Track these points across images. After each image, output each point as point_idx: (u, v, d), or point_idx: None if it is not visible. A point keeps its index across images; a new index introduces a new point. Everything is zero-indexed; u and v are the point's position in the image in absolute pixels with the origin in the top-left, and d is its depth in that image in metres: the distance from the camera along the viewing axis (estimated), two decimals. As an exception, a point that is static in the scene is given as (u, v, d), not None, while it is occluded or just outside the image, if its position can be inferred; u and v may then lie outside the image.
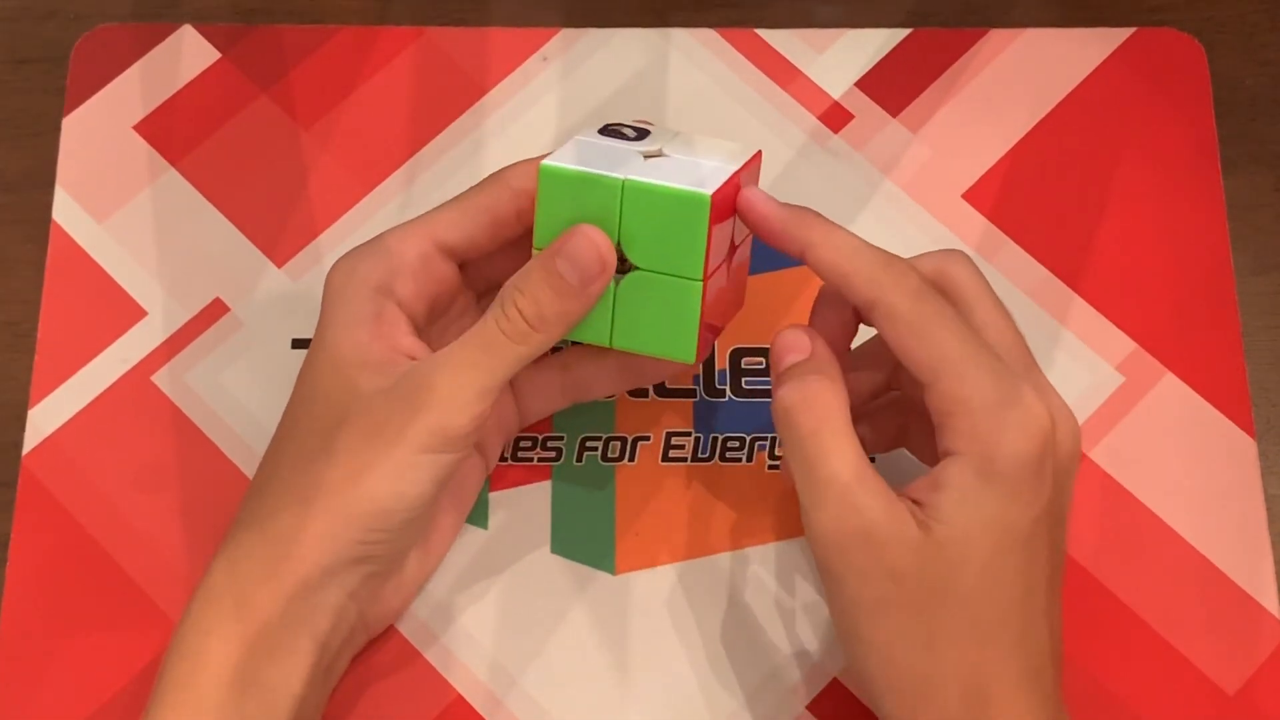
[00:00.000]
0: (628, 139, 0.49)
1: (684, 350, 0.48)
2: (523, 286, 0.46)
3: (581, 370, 0.53)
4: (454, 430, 0.46)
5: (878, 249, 0.47)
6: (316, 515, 0.46)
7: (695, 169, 0.47)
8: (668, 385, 0.56)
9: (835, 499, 0.44)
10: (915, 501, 0.44)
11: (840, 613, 0.46)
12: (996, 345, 0.46)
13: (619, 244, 0.47)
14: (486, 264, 0.52)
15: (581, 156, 0.47)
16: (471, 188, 0.50)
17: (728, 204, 0.47)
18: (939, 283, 0.47)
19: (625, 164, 0.47)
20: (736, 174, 0.47)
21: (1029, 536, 0.44)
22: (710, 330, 0.49)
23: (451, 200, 0.50)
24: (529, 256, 0.47)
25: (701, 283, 0.46)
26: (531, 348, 0.47)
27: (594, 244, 0.46)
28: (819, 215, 0.48)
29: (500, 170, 0.50)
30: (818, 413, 0.45)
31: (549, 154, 0.48)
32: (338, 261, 0.50)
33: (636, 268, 0.47)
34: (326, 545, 0.46)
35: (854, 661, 0.46)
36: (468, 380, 0.46)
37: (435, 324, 0.51)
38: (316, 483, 0.46)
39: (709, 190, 0.46)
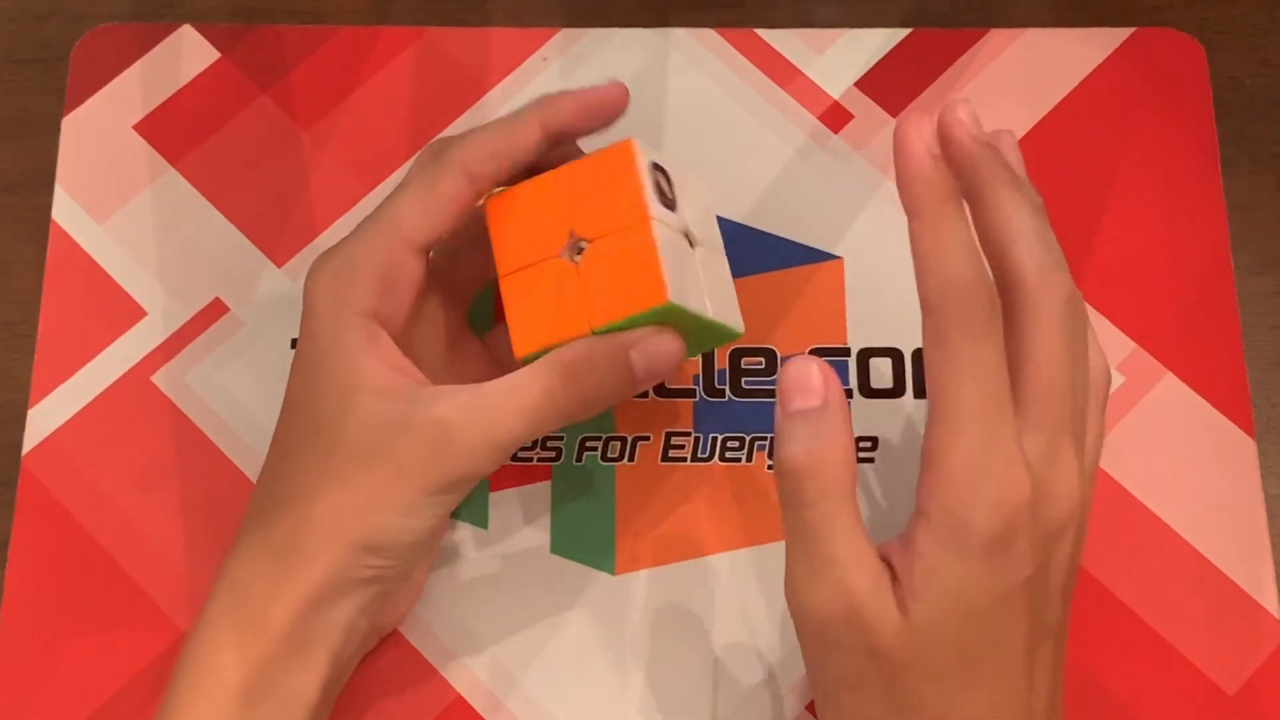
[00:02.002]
0: (670, 201, 0.48)
1: (733, 335, 0.50)
2: (595, 364, 0.46)
3: None
4: (474, 478, 0.47)
5: (1013, 259, 0.43)
6: (325, 542, 0.46)
7: (719, 274, 0.49)
8: (668, 385, 0.56)
9: (830, 580, 0.42)
10: (891, 567, 0.43)
11: (818, 684, 0.45)
12: (1029, 388, 0.43)
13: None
14: (446, 243, 0.50)
15: (682, 277, 0.47)
16: (425, 171, 0.49)
17: None
18: (1006, 280, 0.44)
19: (697, 283, 0.48)
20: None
21: (997, 612, 0.42)
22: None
23: (411, 190, 0.49)
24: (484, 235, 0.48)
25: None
26: (574, 420, 0.47)
27: (674, 357, 0.47)
28: (1001, 184, 0.44)
29: (455, 150, 0.49)
30: (824, 482, 0.42)
31: (505, 127, 0.49)
32: (317, 275, 0.48)
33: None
34: (336, 569, 0.46)
35: None
36: (498, 438, 0.46)
37: (413, 319, 0.50)
38: (326, 510, 0.46)
39: (742, 326, 0.48)
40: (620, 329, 0.47)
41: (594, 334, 0.47)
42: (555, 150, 0.50)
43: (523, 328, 0.48)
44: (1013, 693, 0.43)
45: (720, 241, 0.50)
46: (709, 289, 0.48)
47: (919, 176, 0.42)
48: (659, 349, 0.47)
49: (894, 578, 0.43)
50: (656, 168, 0.48)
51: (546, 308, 0.47)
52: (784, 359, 0.45)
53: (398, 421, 0.46)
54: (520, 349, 0.47)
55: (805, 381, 0.43)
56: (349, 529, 0.46)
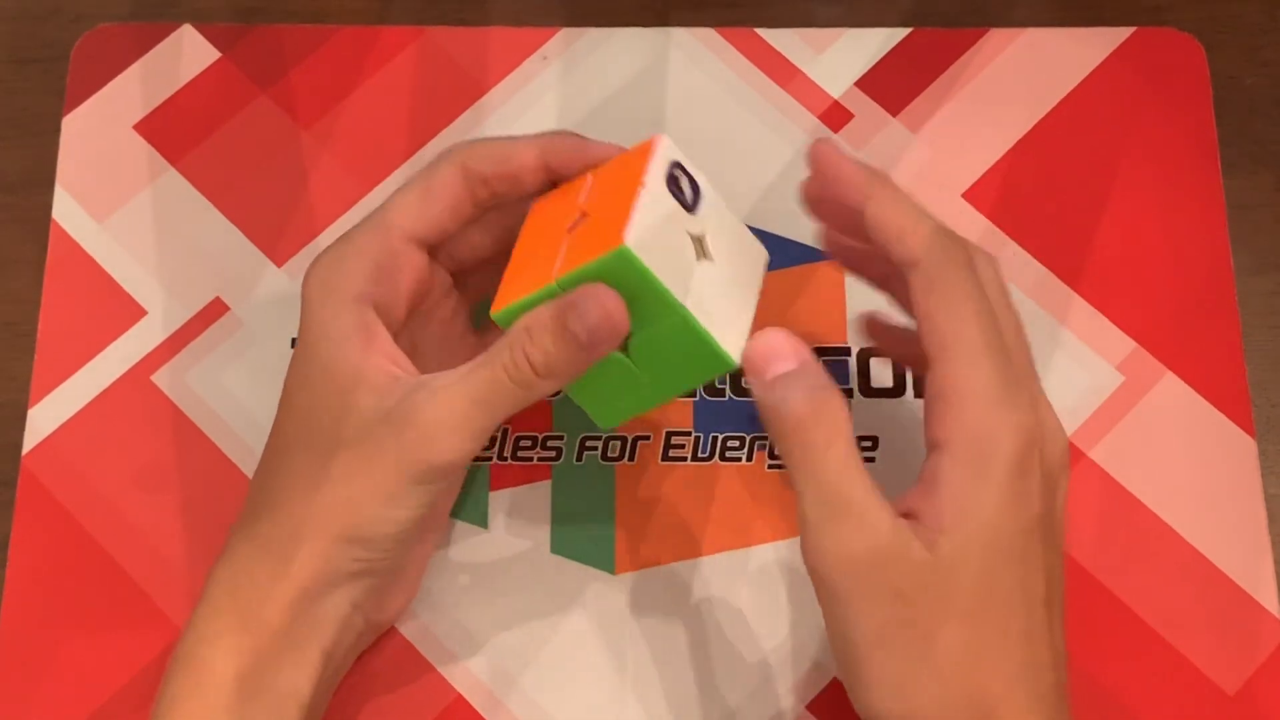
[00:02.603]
0: (685, 203, 0.47)
1: (722, 363, 0.46)
2: (533, 334, 0.45)
3: None
4: (449, 465, 0.46)
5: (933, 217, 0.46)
6: (313, 536, 0.46)
7: (730, 300, 0.47)
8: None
9: (853, 521, 0.43)
10: (913, 514, 0.44)
11: (843, 646, 0.44)
12: (1005, 337, 0.45)
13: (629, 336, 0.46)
14: (452, 244, 0.51)
15: (656, 242, 0.45)
16: (426, 169, 0.50)
17: None
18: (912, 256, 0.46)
19: (684, 266, 0.46)
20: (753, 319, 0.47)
21: (1024, 549, 0.43)
22: None
23: (412, 185, 0.49)
24: (492, 235, 0.47)
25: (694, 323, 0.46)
26: (535, 394, 0.46)
27: (607, 311, 0.45)
28: (886, 175, 0.47)
29: (455, 150, 0.49)
30: (832, 426, 0.43)
31: (506, 142, 0.48)
32: (311, 269, 0.49)
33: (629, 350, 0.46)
34: (326, 563, 0.46)
35: (859, 690, 0.44)
36: (466, 418, 0.46)
37: (415, 312, 0.51)
38: (314, 503, 0.46)
39: (736, 358, 0.46)
40: (579, 280, 0.45)
41: (558, 284, 0.45)
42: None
43: (502, 290, 0.48)
44: (1039, 634, 0.44)
45: (753, 284, 0.48)
46: (704, 296, 0.46)
47: (854, 170, 0.46)
48: (593, 302, 0.45)
49: (915, 520, 0.43)
50: (679, 166, 0.47)
51: (527, 271, 0.47)
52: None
53: (378, 411, 0.46)
54: (495, 308, 0.47)
55: (778, 349, 0.45)
56: (333, 522, 0.46)
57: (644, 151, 0.47)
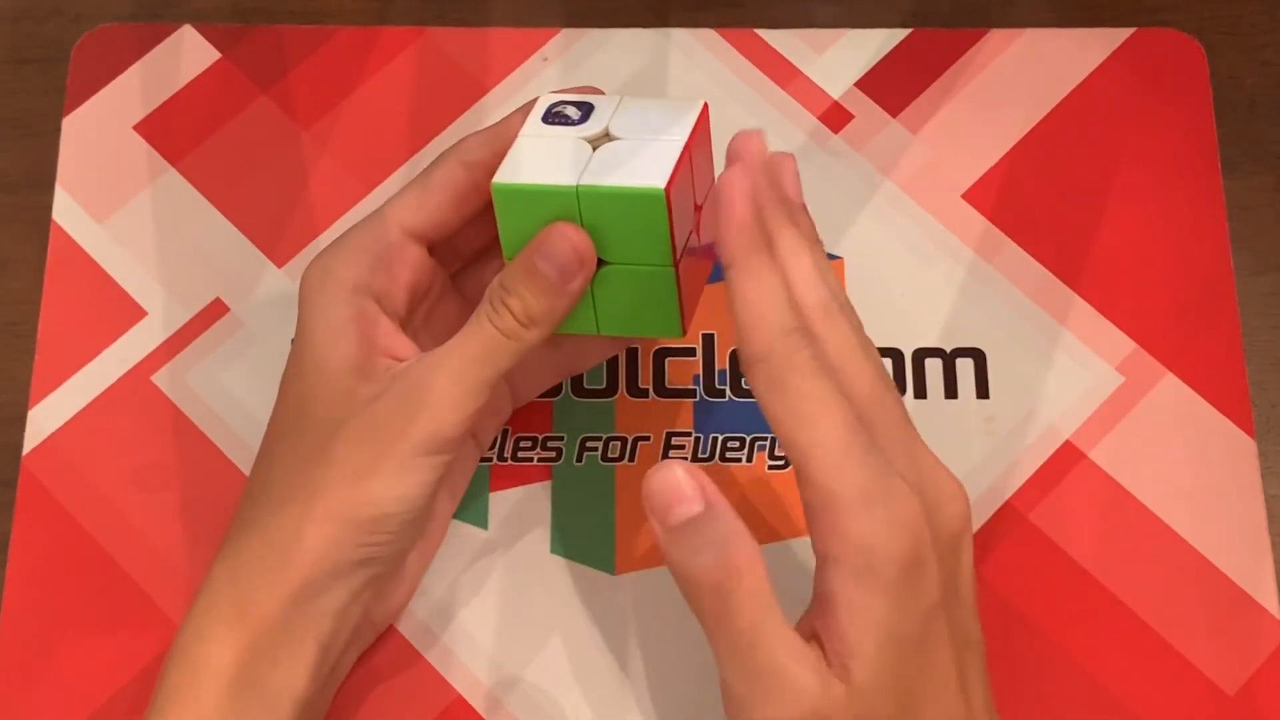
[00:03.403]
0: (572, 122, 0.48)
1: (671, 328, 0.49)
2: (509, 285, 0.46)
3: (571, 343, 0.53)
4: (451, 431, 0.46)
5: (798, 299, 0.43)
6: (317, 520, 0.46)
7: (644, 153, 0.46)
8: (668, 385, 0.56)
9: (781, 689, 0.41)
10: (817, 637, 0.42)
11: None
12: (867, 411, 0.43)
13: None
14: (455, 241, 0.51)
15: (530, 162, 0.47)
16: (427, 168, 0.50)
17: (684, 185, 0.47)
18: (804, 322, 0.43)
19: (574, 160, 0.47)
20: (686, 149, 0.47)
21: (925, 637, 0.42)
22: (693, 295, 0.49)
23: (410, 184, 0.50)
24: (496, 232, 0.48)
25: (673, 268, 0.47)
26: (524, 344, 0.47)
27: (571, 242, 0.46)
28: (784, 227, 0.45)
29: (453, 146, 0.50)
30: (748, 588, 0.41)
31: (497, 123, 0.49)
32: (311, 264, 0.49)
33: (607, 262, 0.47)
34: (329, 549, 0.46)
35: None
36: (463, 380, 0.46)
37: (417, 311, 0.51)
38: (316, 487, 0.46)
39: (661, 182, 0.45)
40: (601, 195, 0.46)
41: (577, 190, 0.46)
42: None
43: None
44: (954, 716, 0.43)
45: (681, 127, 0.47)
46: (607, 162, 0.46)
47: (739, 214, 0.43)
48: (559, 240, 0.46)
49: (821, 645, 0.42)
50: (561, 103, 0.49)
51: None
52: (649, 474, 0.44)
53: (378, 389, 0.47)
54: (498, 179, 0.47)
55: (676, 490, 0.42)
56: (339, 505, 0.46)
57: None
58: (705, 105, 0.49)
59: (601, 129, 0.48)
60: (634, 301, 0.48)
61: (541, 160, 0.47)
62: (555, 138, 0.48)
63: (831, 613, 0.42)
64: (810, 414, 0.42)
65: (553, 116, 0.49)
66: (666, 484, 0.42)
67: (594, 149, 0.47)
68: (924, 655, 0.42)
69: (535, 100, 0.49)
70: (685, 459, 0.55)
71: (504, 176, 0.47)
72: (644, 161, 0.46)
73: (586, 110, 0.49)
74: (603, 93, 0.50)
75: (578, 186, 0.46)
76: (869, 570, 0.41)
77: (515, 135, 0.49)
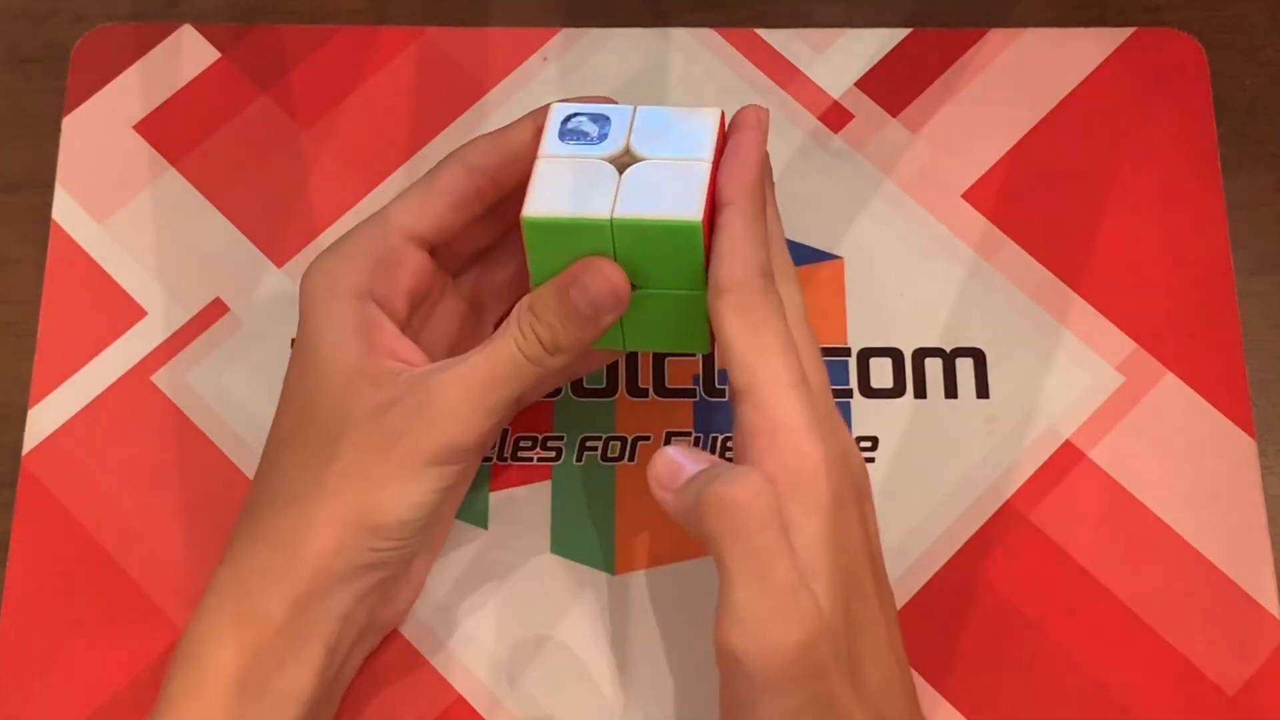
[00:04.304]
0: (591, 140, 0.47)
1: (698, 345, 0.49)
2: (539, 313, 0.46)
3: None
4: (465, 445, 0.46)
5: (773, 259, 0.46)
6: (325, 525, 0.46)
7: (673, 177, 0.46)
8: (668, 385, 0.56)
9: (803, 603, 0.42)
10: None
11: None
12: (806, 367, 0.45)
13: None
14: (457, 243, 0.51)
15: (557, 191, 0.46)
16: (430, 170, 0.50)
17: (710, 204, 0.47)
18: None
19: (602, 187, 0.46)
20: (713, 171, 0.47)
21: (857, 577, 0.44)
22: None
23: (412, 187, 0.50)
24: (498, 232, 0.47)
25: (704, 291, 0.46)
26: (546, 370, 0.47)
27: (610, 284, 0.46)
28: (771, 202, 0.48)
29: (457, 150, 0.50)
30: (765, 506, 0.42)
31: (504, 128, 0.49)
32: (310, 268, 0.49)
33: (638, 287, 0.47)
34: (337, 553, 0.46)
35: None
36: (482, 398, 0.46)
37: (417, 312, 0.51)
38: (323, 490, 0.46)
39: (697, 214, 0.45)
40: (637, 228, 0.46)
41: (611, 222, 0.46)
42: None
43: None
44: (885, 665, 0.44)
45: (703, 147, 0.47)
46: (640, 188, 0.46)
47: (747, 167, 0.46)
48: (595, 275, 0.46)
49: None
50: (574, 116, 0.48)
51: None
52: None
53: (388, 395, 0.46)
54: (525, 212, 0.47)
55: (680, 461, 0.45)
56: (348, 510, 0.46)
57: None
58: (723, 114, 0.49)
59: (622, 147, 0.47)
60: (663, 323, 0.48)
61: (568, 188, 0.46)
62: (577, 160, 0.47)
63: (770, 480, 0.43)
64: (771, 347, 0.44)
65: (569, 134, 0.48)
66: (669, 460, 0.45)
67: (619, 170, 0.47)
68: (859, 597, 0.44)
69: (545, 109, 0.49)
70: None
71: (534, 209, 0.46)
72: (674, 187, 0.46)
73: (603, 125, 0.48)
74: (614, 101, 0.49)
75: (611, 220, 0.45)
76: (811, 496, 0.43)
77: (522, 142, 0.49)
